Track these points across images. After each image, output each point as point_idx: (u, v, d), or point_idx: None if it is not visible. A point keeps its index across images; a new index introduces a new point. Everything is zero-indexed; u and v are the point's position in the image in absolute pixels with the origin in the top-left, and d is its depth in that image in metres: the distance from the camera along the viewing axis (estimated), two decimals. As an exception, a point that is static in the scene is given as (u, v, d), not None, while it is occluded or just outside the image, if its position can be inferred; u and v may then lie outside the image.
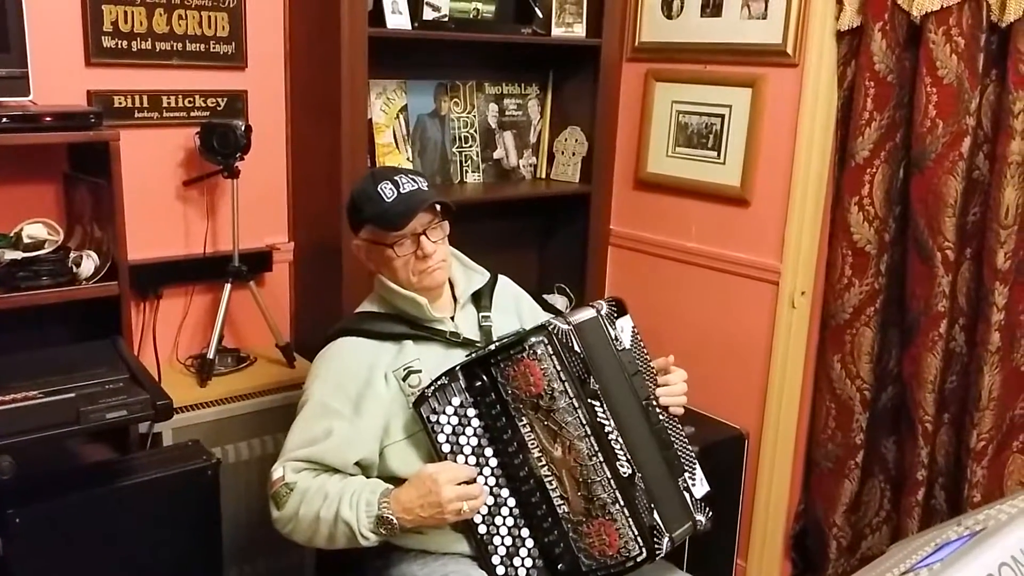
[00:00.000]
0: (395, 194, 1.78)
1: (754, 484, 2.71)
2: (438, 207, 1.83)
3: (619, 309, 1.79)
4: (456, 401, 1.69)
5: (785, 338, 2.59)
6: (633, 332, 1.79)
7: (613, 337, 1.74)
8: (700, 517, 1.72)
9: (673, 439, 1.76)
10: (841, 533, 2.60)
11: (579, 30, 2.85)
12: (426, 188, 1.84)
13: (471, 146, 2.90)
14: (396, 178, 1.81)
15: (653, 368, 1.81)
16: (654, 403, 1.76)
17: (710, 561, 2.63)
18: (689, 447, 1.79)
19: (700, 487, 1.75)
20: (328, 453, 1.70)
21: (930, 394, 2.36)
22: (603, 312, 1.75)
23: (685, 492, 1.72)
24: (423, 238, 1.80)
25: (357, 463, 1.73)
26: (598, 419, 1.63)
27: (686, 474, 1.74)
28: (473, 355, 1.74)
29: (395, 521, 1.63)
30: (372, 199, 1.79)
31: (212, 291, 2.53)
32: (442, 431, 1.69)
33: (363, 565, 1.88)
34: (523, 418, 1.66)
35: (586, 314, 1.73)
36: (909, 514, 2.45)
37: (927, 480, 2.42)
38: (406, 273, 1.82)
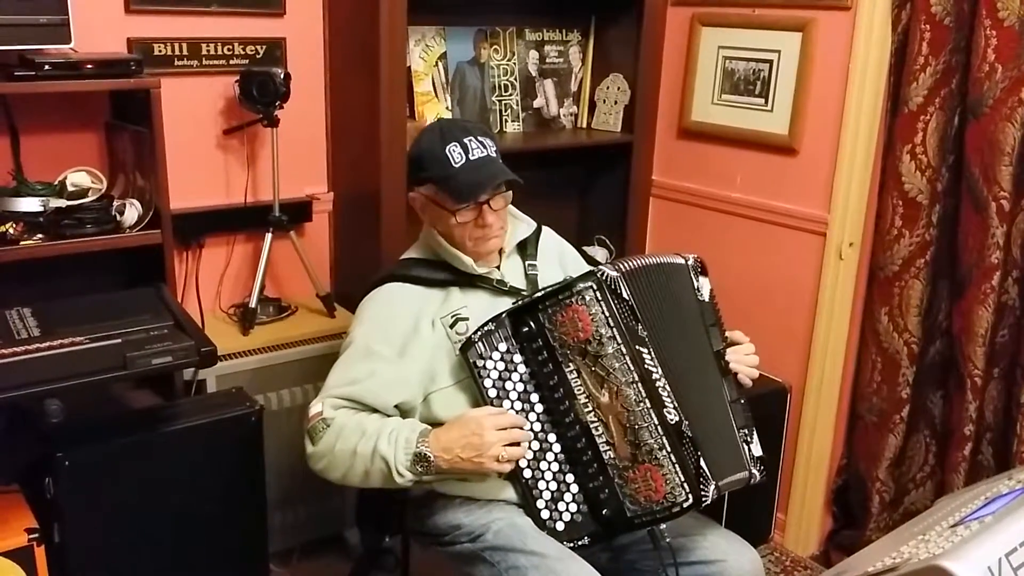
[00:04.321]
0: (463, 159, 1.73)
1: (796, 437, 2.69)
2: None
3: (702, 268, 1.80)
4: (503, 347, 1.70)
5: (831, 290, 2.54)
6: (711, 292, 1.79)
7: (696, 287, 1.76)
8: (755, 471, 1.71)
9: (740, 396, 1.77)
10: (884, 487, 2.57)
11: (622, -26, 2.79)
12: (494, 154, 1.78)
13: (511, 95, 2.85)
14: (465, 140, 1.74)
15: (726, 332, 1.81)
16: (727, 358, 1.76)
17: (750, 513, 2.62)
18: (750, 412, 1.77)
19: (756, 448, 1.75)
20: (368, 393, 1.71)
21: (980, 348, 2.31)
22: (690, 263, 1.77)
23: (744, 444, 1.72)
24: (486, 207, 1.77)
25: (397, 406, 1.73)
26: (645, 366, 1.62)
27: (746, 430, 1.74)
28: (520, 302, 1.73)
29: (432, 459, 1.62)
30: (439, 160, 1.74)
31: (253, 241, 2.54)
32: (488, 376, 1.70)
33: (405, 512, 1.90)
34: (570, 364, 1.66)
35: (669, 259, 1.75)
36: (955, 469, 2.42)
37: (975, 435, 2.38)
38: (462, 237, 1.80)
